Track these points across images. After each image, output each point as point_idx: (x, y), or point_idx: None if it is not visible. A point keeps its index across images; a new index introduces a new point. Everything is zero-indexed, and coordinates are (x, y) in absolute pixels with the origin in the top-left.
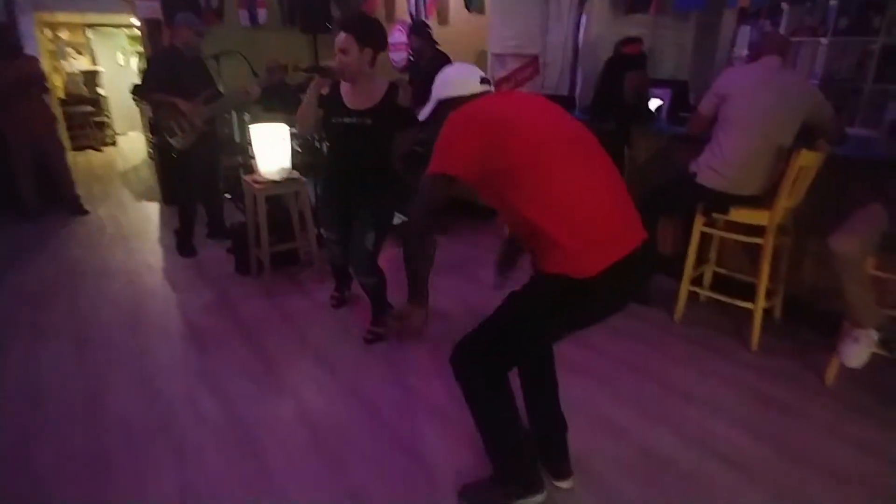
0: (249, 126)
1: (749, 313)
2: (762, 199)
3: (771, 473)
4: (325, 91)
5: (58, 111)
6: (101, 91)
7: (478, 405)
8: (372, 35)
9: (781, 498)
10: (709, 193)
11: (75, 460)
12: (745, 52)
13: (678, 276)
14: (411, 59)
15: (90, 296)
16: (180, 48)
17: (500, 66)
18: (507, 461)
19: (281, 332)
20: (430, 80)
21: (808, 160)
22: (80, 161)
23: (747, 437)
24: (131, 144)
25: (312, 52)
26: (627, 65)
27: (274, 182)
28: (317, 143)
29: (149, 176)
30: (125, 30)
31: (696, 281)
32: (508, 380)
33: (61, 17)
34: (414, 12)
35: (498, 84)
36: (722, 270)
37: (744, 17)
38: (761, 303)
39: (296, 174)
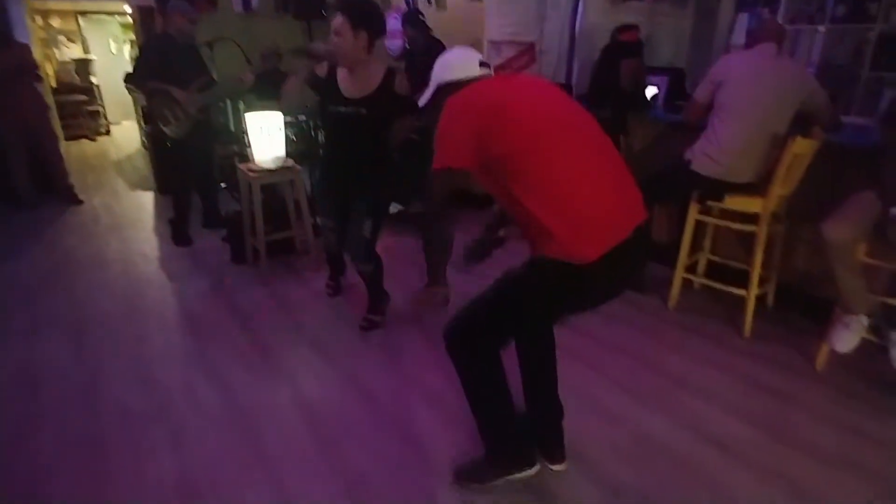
0: (244, 114)
1: (742, 300)
2: (757, 187)
3: (762, 457)
4: (321, 73)
5: (50, 100)
6: (93, 80)
7: (468, 379)
8: (367, 18)
9: (771, 481)
10: (704, 181)
11: (73, 446)
12: (743, 39)
13: (672, 264)
14: (407, 47)
15: (86, 285)
16: (173, 35)
17: (496, 53)
18: (498, 439)
19: (277, 320)
20: (426, 69)
21: (802, 148)
22: (74, 151)
23: (739, 421)
24: (125, 134)
25: (307, 39)
26: (624, 52)
27: (269, 171)
28: (311, 132)
29: (143, 165)
30: (117, 17)
31: (691, 268)
32: (500, 357)
33: (52, 4)
34: (411, 0)
35: (494, 72)
36: (716, 258)
37: (742, 4)
38: (754, 290)
39: (291, 162)
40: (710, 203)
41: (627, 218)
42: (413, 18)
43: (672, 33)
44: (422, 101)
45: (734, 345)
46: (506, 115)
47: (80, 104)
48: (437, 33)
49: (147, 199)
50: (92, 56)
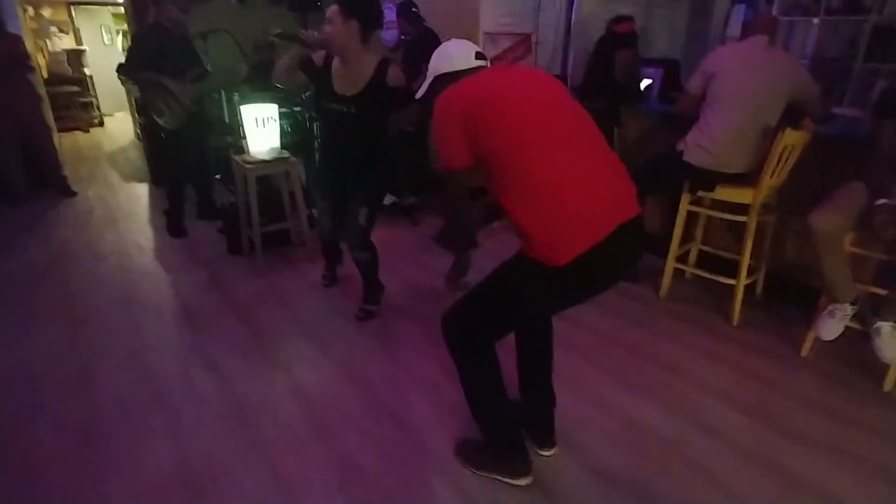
0: (239, 106)
1: (732, 289)
2: (748, 178)
3: (748, 441)
4: (318, 61)
5: (42, 92)
6: (86, 70)
7: (464, 372)
8: (358, 7)
9: (757, 463)
10: (695, 171)
11: (71, 437)
12: (738, 31)
13: (664, 254)
14: (402, 37)
15: (81, 277)
16: (166, 25)
17: (492, 44)
18: (493, 432)
19: (273, 311)
20: (419, 59)
21: (792, 139)
22: (67, 142)
23: (727, 407)
24: (118, 125)
25: (301, 30)
26: (618, 44)
27: (264, 162)
28: (307, 123)
29: (137, 157)
30: (110, 7)
31: (682, 258)
32: (494, 351)
33: None
34: None
35: (490, 63)
36: (707, 248)
37: None
38: (743, 279)
39: (286, 154)
40: (701, 193)
41: (611, 215)
42: (405, 10)
43: (668, 25)
44: (419, 94)
45: (723, 333)
46: (490, 111)
47: (72, 95)
48: (431, 24)
49: (141, 190)
50: (84, 47)
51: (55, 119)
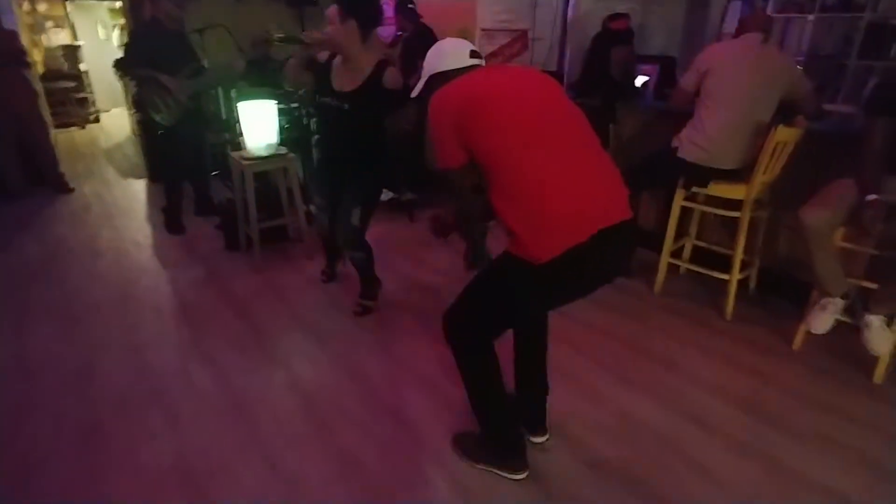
0: (236, 102)
1: (725, 284)
2: (741, 174)
3: (738, 432)
4: (322, 59)
5: (38, 87)
6: (82, 66)
7: (464, 367)
8: (356, 6)
9: (748, 454)
10: (689, 167)
11: (68, 433)
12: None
13: (658, 249)
14: (399, 33)
15: (79, 274)
16: (162, 21)
17: (488, 41)
18: (493, 423)
19: (271, 306)
20: (416, 56)
21: (785, 136)
22: (63, 139)
23: (719, 400)
24: (115, 121)
25: (299, 26)
26: (614, 40)
27: (261, 158)
28: (304, 119)
29: (133, 153)
30: (105, 2)
31: (676, 253)
32: (493, 347)
33: None
34: None
35: (486, 60)
36: (701, 243)
37: None
38: (736, 274)
39: (283, 150)
40: (695, 189)
41: (598, 217)
42: (403, 6)
43: (664, 22)
44: (414, 92)
45: (717, 327)
46: (482, 111)
47: (68, 91)
48: (426, 21)
49: (138, 187)
50: (80, 42)
51: (52, 115)
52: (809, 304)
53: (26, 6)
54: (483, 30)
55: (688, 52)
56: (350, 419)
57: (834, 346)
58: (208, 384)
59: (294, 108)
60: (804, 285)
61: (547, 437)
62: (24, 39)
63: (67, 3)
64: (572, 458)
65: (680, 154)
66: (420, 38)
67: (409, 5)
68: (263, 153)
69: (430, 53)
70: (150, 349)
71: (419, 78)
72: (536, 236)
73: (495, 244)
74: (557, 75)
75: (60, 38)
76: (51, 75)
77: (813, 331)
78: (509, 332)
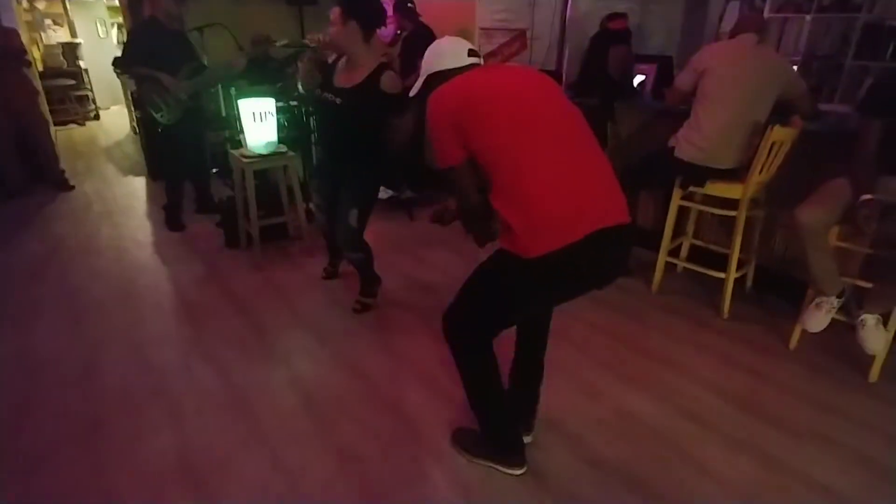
0: (236, 100)
1: (722, 283)
2: (737, 173)
3: (735, 430)
4: (329, 58)
5: (38, 85)
6: (81, 64)
7: (464, 365)
8: (357, 8)
9: (743, 451)
10: (686, 167)
11: (71, 425)
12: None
13: (656, 248)
14: (398, 32)
15: (80, 271)
16: (160, 19)
17: (487, 40)
18: (491, 421)
19: (271, 303)
20: (415, 54)
21: (781, 135)
22: (62, 136)
23: (716, 397)
24: (114, 119)
25: (298, 25)
26: (612, 40)
27: (262, 156)
28: (304, 118)
29: (133, 151)
30: (104, 0)
31: (673, 252)
32: (491, 346)
33: None
34: None
35: (485, 59)
36: (698, 242)
37: None
38: (733, 273)
39: (283, 148)
40: (692, 189)
41: (592, 217)
42: (400, 5)
43: (663, 22)
44: (413, 91)
45: (713, 325)
46: (479, 110)
47: (67, 89)
48: (425, 20)
49: (139, 184)
50: (79, 40)
51: (51, 112)
52: (805, 302)
53: (25, 4)
54: (482, 29)
55: (686, 52)
56: (350, 416)
57: (830, 345)
58: (209, 381)
59: (294, 105)
60: (800, 284)
61: (531, 437)
62: (24, 37)
63: (66, 0)
64: (570, 454)
65: (677, 154)
66: (419, 37)
67: (409, 4)
68: (263, 151)
69: (428, 52)
70: (151, 346)
71: (418, 77)
72: (532, 233)
73: None
74: (556, 75)
75: (59, 35)
76: (50, 73)
77: (809, 329)
78: (509, 332)
